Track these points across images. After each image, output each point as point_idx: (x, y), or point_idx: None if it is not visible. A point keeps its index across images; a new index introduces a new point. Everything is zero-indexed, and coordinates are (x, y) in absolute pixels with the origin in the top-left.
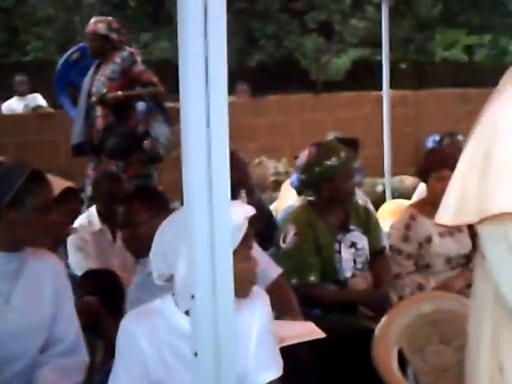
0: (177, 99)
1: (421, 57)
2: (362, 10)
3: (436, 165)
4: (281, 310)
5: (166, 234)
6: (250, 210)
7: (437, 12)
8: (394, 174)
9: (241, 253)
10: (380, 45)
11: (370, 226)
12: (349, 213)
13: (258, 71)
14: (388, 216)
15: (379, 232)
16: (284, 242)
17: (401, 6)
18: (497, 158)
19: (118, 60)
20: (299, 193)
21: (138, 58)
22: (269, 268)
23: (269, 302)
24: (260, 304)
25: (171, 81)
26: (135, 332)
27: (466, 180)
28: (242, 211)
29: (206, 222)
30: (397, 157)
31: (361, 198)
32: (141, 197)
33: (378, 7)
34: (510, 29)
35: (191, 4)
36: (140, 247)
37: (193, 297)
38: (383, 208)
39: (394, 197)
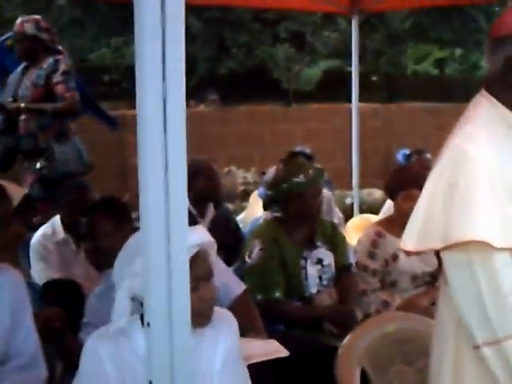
0: None
1: (392, 70)
2: (333, 21)
3: (404, 183)
4: (244, 327)
5: (130, 252)
6: (206, 237)
7: (408, 26)
8: (363, 186)
9: (198, 281)
10: (351, 56)
11: (336, 243)
12: (315, 229)
13: (229, 80)
14: (355, 231)
15: (346, 249)
16: (249, 257)
17: (373, 19)
18: (463, 186)
19: (44, 65)
20: (265, 207)
21: (62, 67)
22: (233, 284)
23: (236, 326)
24: (225, 330)
25: None
26: (100, 353)
27: (432, 205)
28: (197, 238)
29: (163, 246)
30: (366, 170)
31: (337, 216)
32: (104, 208)
33: (350, 20)
34: (480, 44)
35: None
36: (102, 259)
37: (148, 324)
38: (351, 223)
39: (362, 210)
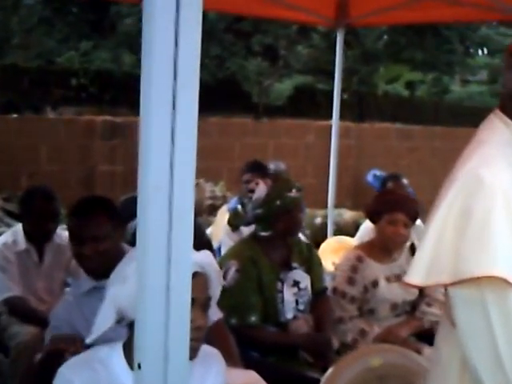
0: (117, 113)
1: (364, 88)
2: (308, 36)
3: (388, 207)
4: None
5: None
6: (211, 262)
7: (382, 45)
8: (334, 206)
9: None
10: (324, 73)
11: (312, 265)
12: (292, 249)
13: (200, 91)
14: (330, 254)
15: (321, 271)
16: (224, 278)
17: (347, 37)
18: (478, 215)
19: None
20: (235, 227)
21: None
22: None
23: (225, 367)
24: (214, 370)
25: (110, 92)
26: (73, 382)
27: (442, 235)
28: (200, 258)
29: (163, 271)
30: (337, 188)
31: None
32: (103, 207)
33: (324, 35)
34: (452, 66)
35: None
36: (102, 264)
37: (139, 366)
38: (325, 246)
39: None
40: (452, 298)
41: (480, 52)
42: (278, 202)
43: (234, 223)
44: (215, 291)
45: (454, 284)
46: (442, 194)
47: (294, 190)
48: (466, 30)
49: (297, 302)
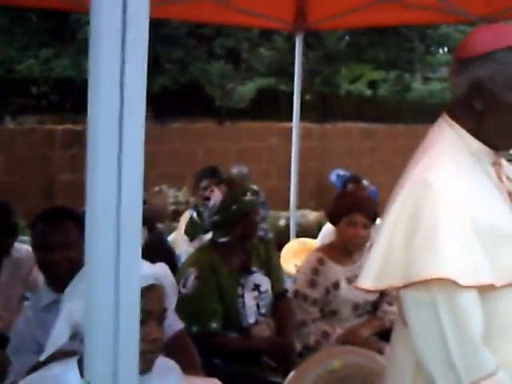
0: (78, 121)
1: (326, 89)
2: (270, 39)
3: (347, 209)
4: (182, 366)
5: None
6: (167, 275)
7: (344, 45)
8: (297, 208)
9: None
10: (286, 74)
11: (271, 267)
12: (250, 253)
13: (162, 96)
14: (292, 256)
15: (281, 273)
16: (184, 286)
17: (309, 38)
18: (427, 218)
19: None
20: (193, 236)
21: None
22: (170, 320)
23: (181, 374)
24: (171, 378)
25: (72, 100)
26: None
27: (392, 239)
28: (154, 271)
29: (112, 290)
30: (299, 190)
31: None
32: (71, 215)
33: (286, 38)
34: (413, 64)
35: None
36: (67, 272)
37: None
38: (287, 248)
39: (296, 232)
40: (403, 301)
41: (440, 50)
42: (234, 207)
43: (191, 232)
44: (171, 302)
45: (405, 287)
46: (392, 199)
47: (248, 194)
48: (426, 28)
49: (258, 306)
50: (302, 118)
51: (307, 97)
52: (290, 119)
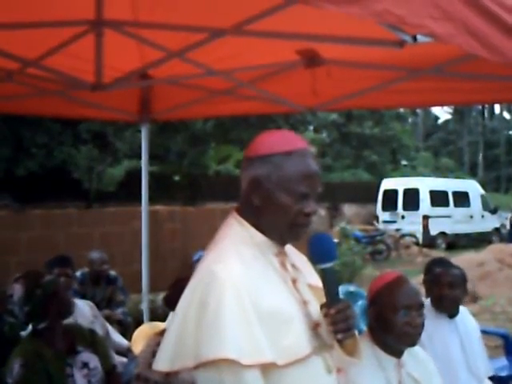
0: None
1: (195, 170)
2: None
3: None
4: None
5: None
6: None
7: (210, 127)
8: (159, 290)
9: None
10: (153, 156)
11: (98, 346)
12: (74, 335)
13: (27, 181)
14: (142, 340)
15: (107, 350)
16: (11, 377)
17: (176, 121)
18: (212, 305)
19: None
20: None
21: None
22: None
23: None
24: None
25: None
26: None
27: (185, 325)
28: None
29: None
30: (164, 272)
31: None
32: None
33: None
34: None
35: None
36: None
37: None
38: (137, 332)
39: (157, 315)
40: (198, 381)
41: (306, 129)
42: (39, 292)
43: (11, 335)
44: None
45: (196, 367)
46: (186, 288)
47: (46, 275)
48: None
49: (90, 382)
50: (170, 199)
51: (176, 178)
52: (158, 201)
